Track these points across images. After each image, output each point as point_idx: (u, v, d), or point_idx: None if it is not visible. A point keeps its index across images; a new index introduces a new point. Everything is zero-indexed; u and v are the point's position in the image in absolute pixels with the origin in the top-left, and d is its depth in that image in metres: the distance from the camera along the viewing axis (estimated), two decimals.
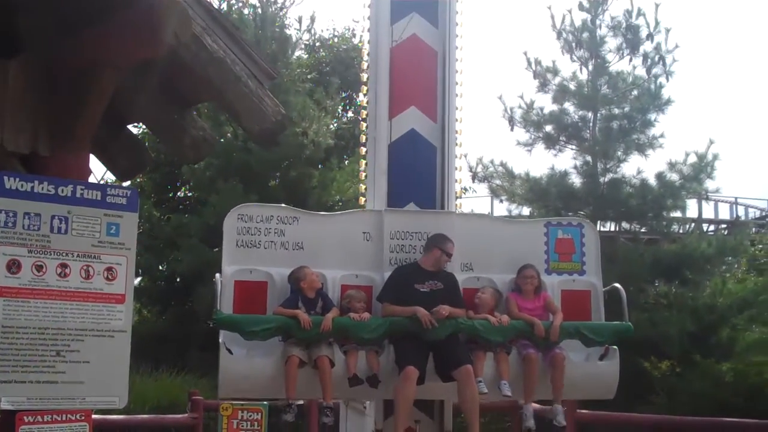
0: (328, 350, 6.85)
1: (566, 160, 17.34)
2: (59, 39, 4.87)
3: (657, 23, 16.71)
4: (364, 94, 8.23)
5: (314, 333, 6.76)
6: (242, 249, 7.25)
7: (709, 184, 16.53)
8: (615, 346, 7.33)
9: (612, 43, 17.05)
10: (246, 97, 5.52)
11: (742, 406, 12.03)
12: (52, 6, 4.80)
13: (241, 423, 7.52)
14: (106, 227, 5.03)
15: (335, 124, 21.36)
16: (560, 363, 7.09)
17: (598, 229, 9.85)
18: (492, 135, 49.47)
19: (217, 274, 6.96)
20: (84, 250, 4.93)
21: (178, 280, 19.01)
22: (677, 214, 17.58)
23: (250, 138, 14.10)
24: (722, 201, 31.03)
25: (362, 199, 8.17)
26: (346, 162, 19.51)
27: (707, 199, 27.70)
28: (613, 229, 17.04)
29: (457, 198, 8.04)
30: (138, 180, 20.25)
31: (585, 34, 17.00)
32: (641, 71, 16.96)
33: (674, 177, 16.34)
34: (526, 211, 17.36)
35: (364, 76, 8.23)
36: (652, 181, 16.41)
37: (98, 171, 14.77)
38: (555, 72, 17.20)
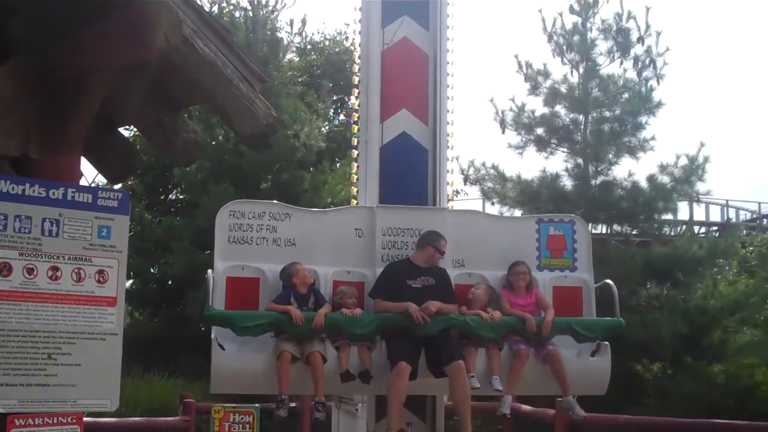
0: (321, 346, 6.88)
1: (557, 163, 17.38)
2: (50, 42, 4.86)
3: (647, 26, 16.76)
4: (356, 97, 8.25)
5: (306, 329, 6.78)
6: (234, 245, 7.25)
7: (700, 187, 16.55)
8: (606, 342, 7.37)
9: (603, 46, 17.12)
10: (237, 99, 5.53)
11: (734, 408, 12.09)
12: (43, 9, 4.79)
13: (233, 426, 7.48)
14: (97, 230, 5.02)
15: (327, 127, 21.38)
16: (557, 357, 7.14)
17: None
18: (483, 138, 49.48)
19: (209, 271, 6.96)
20: (75, 253, 4.92)
21: (169, 282, 18.99)
22: (668, 216, 17.62)
23: (241, 141, 14.09)
24: (713, 203, 31.22)
25: (354, 202, 8.17)
26: (338, 165, 19.53)
27: (698, 201, 27.84)
28: (604, 231, 17.07)
29: (449, 200, 8.05)
30: (129, 183, 20.25)
31: (576, 37, 17.04)
32: (632, 74, 17.04)
33: (665, 179, 16.39)
34: (517, 213, 17.36)
35: (356, 79, 8.24)
36: (643, 183, 16.46)
37: (89, 174, 14.78)
38: (546, 75, 17.24)
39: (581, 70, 17.09)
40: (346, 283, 7.33)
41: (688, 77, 76.00)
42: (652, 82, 16.77)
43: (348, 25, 25.66)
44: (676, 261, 15.73)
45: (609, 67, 17.21)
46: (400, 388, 6.71)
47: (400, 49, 8.08)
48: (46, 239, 4.83)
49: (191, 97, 5.99)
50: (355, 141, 8.19)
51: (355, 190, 8.15)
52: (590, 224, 15.61)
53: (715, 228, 30.14)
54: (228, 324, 6.76)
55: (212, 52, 5.39)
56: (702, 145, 16.30)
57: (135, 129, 8.43)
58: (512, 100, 17.45)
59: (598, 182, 16.56)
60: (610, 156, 16.57)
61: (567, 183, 16.76)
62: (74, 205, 4.95)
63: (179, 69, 5.32)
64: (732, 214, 33.65)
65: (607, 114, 16.84)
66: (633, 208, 16.21)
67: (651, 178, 16.43)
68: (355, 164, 8.17)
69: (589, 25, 17.11)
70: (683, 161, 16.32)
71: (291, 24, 21.59)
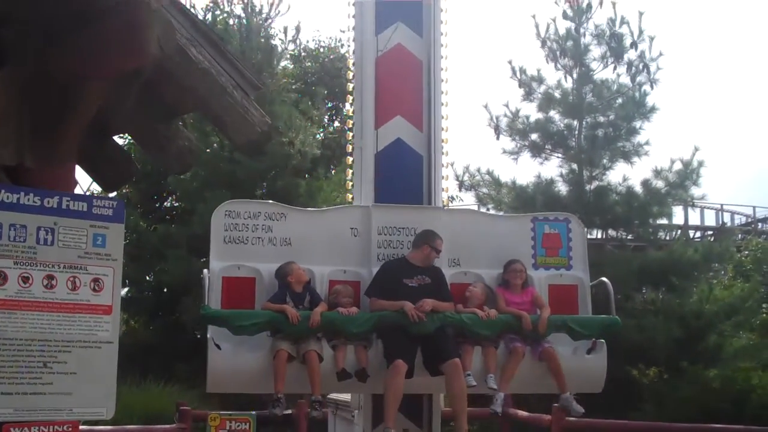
0: (317, 345, 6.90)
1: (552, 168, 17.31)
2: (43, 51, 4.86)
3: (641, 31, 16.75)
4: (351, 104, 8.27)
5: (302, 327, 6.80)
6: (230, 245, 7.27)
7: (695, 191, 16.55)
8: (602, 340, 7.38)
9: (596, 51, 17.09)
10: (232, 107, 5.53)
11: (730, 412, 12.08)
12: (36, 17, 4.79)
13: None
14: (92, 238, 5.01)
15: (322, 134, 21.38)
16: (553, 355, 7.17)
17: None
18: (478, 143, 49.59)
19: (205, 270, 6.99)
20: (70, 262, 4.91)
21: (165, 290, 18.97)
22: (663, 221, 17.65)
23: (236, 148, 14.10)
24: (708, 208, 31.30)
25: None
26: (333, 171, 19.55)
27: (693, 206, 27.71)
28: (599, 236, 17.07)
29: (444, 206, 8.07)
30: (124, 191, 20.19)
31: (569, 43, 17.04)
32: (626, 79, 17.01)
33: (660, 184, 16.38)
34: None
35: (350, 86, 8.26)
36: (638, 188, 16.45)
37: (84, 182, 14.74)
38: (540, 80, 17.23)
39: (575, 76, 17.08)
40: (342, 282, 7.37)
41: (682, 82, 76.23)
42: (646, 87, 16.78)
43: (343, 31, 25.68)
44: (671, 265, 15.72)
45: (603, 72, 17.21)
46: (397, 386, 6.73)
47: (394, 55, 8.11)
48: (41, 248, 4.82)
49: (186, 105, 5.99)
50: (349, 148, 8.21)
51: (350, 196, 8.17)
52: (585, 229, 15.65)
53: (710, 232, 30.19)
54: (224, 323, 6.78)
55: (206, 60, 5.39)
56: (696, 149, 16.31)
57: (130, 137, 8.40)
58: (506, 105, 17.50)
59: (592, 187, 16.56)
60: (605, 161, 16.58)
61: (562, 188, 16.76)
62: (69, 213, 4.94)
63: (173, 77, 5.33)
64: (727, 218, 33.76)
65: (602, 119, 16.84)
66: (628, 213, 16.21)
67: (646, 183, 16.44)
68: (350, 171, 8.19)
69: (582, 30, 17.10)
70: (678, 166, 16.32)
71: (285, 31, 21.47)
